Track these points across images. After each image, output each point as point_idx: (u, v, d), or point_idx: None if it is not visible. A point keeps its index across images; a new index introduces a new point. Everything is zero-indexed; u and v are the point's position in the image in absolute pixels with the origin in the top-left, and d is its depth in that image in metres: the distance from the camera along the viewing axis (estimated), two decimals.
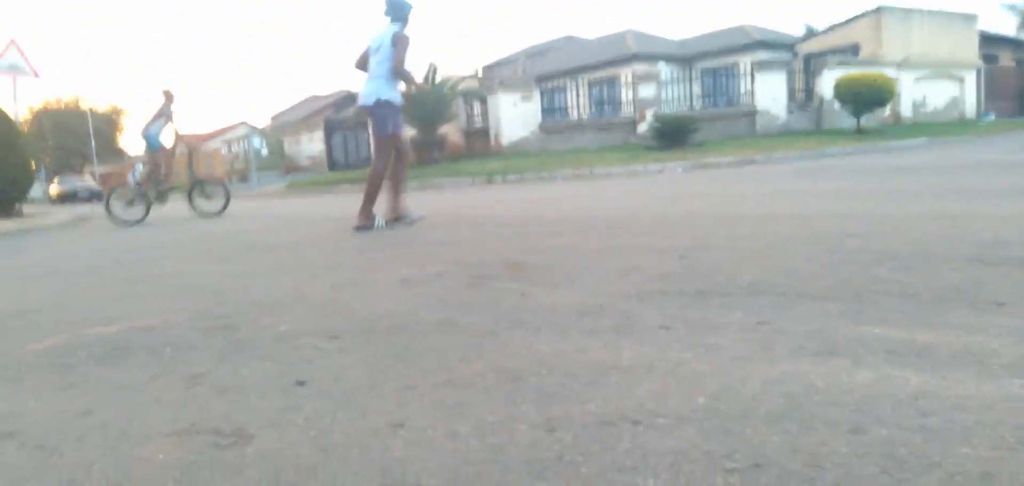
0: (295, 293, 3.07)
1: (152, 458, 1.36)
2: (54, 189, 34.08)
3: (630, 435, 1.29)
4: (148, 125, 9.84)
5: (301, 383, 1.76)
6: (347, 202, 11.57)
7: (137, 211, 9.51)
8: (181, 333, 2.44)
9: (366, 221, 5.88)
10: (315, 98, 43.41)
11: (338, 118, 28.97)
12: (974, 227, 3.33)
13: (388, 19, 5.82)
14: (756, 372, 1.56)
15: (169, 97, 9.94)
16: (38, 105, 47.53)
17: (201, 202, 10.11)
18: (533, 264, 3.33)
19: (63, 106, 47.77)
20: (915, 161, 9.93)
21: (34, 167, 16.23)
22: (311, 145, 27.83)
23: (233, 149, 33.94)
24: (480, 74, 29.96)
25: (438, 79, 19.18)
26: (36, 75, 14.70)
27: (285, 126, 34.15)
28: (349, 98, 36.73)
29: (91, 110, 42.86)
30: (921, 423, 1.24)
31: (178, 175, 10.76)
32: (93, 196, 30.37)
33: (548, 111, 21.41)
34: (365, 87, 5.90)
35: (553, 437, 1.32)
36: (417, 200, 10.61)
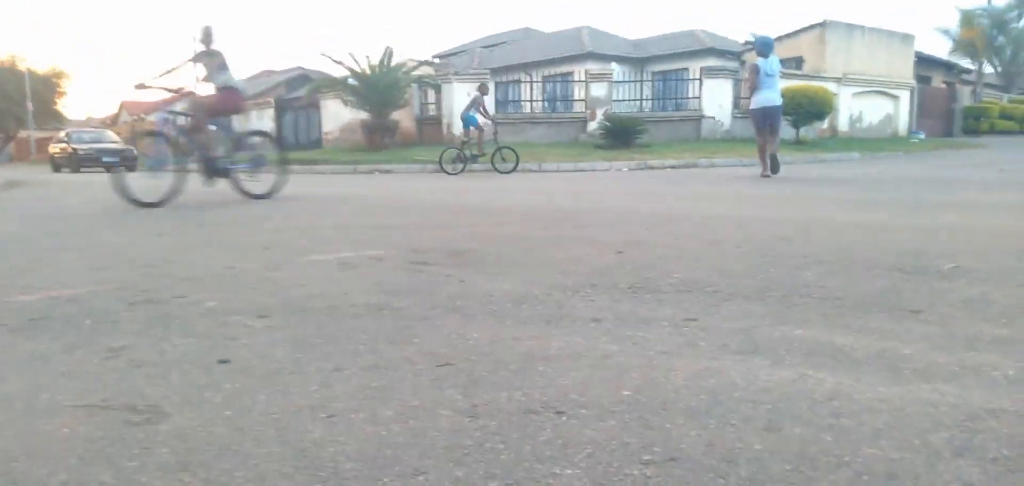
0: (228, 270, 2.99)
1: (56, 433, 1.30)
2: (56, 147, 24.32)
3: (552, 425, 1.30)
4: (466, 110, 13.87)
5: (224, 361, 1.71)
6: (295, 182, 11.33)
7: (459, 165, 13.12)
8: (104, 304, 2.34)
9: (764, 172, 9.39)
10: (269, 73, 42.22)
11: (290, 97, 28.31)
12: (897, 238, 3.46)
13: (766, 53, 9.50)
14: (680, 367, 1.59)
15: (483, 89, 14.19)
16: None
17: (500, 163, 13.06)
18: (474, 252, 3.32)
19: None
20: (848, 173, 10.29)
21: None
22: (261, 123, 27.16)
23: (178, 122, 32.76)
24: (435, 61, 29.68)
25: (393, 64, 18.91)
26: None
27: None
28: (303, 77, 35.79)
29: (30, 70, 40.74)
30: (834, 423, 1.28)
31: (479, 145, 13.73)
32: (124, 161, 17.93)
33: (501, 103, 21.39)
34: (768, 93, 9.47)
35: (476, 424, 1.31)
36: (363, 184, 10.46)
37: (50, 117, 44.64)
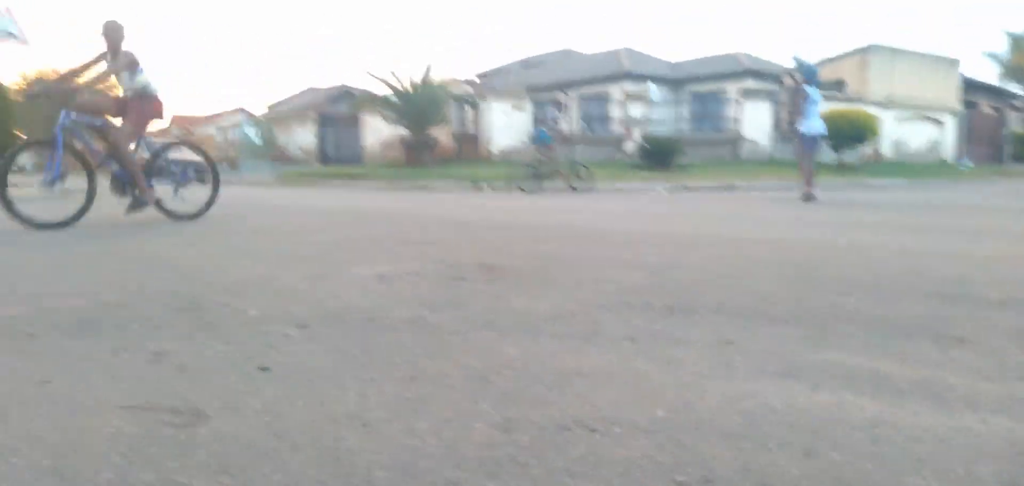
0: (268, 280, 3.05)
1: (101, 430, 1.34)
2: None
3: (585, 441, 1.30)
4: (539, 128, 14.11)
5: (264, 369, 1.75)
6: (336, 195, 11.52)
7: (533, 184, 12.80)
8: (149, 310, 2.41)
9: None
10: (313, 90, 43.01)
11: (332, 112, 28.85)
12: (942, 265, 3.38)
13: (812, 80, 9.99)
14: (715, 389, 1.57)
15: (558, 105, 14.90)
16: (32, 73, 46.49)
17: (576, 182, 12.90)
18: (510, 268, 3.33)
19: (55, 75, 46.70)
20: (893, 199, 10.06)
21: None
22: (303, 136, 27.71)
23: (228, 135, 33.62)
24: (476, 80, 29.97)
25: (433, 82, 19.16)
26: (25, 42, 14.48)
27: (280, 116, 33.78)
28: (346, 93, 36.43)
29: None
30: (874, 450, 1.25)
31: (558, 162, 13.59)
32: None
33: (539, 121, 21.47)
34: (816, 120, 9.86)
35: (509, 438, 1.32)
36: (403, 200, 10.59)
37: None
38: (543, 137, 13.66)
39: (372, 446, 1.28)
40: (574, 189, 12.62)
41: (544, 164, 13.23)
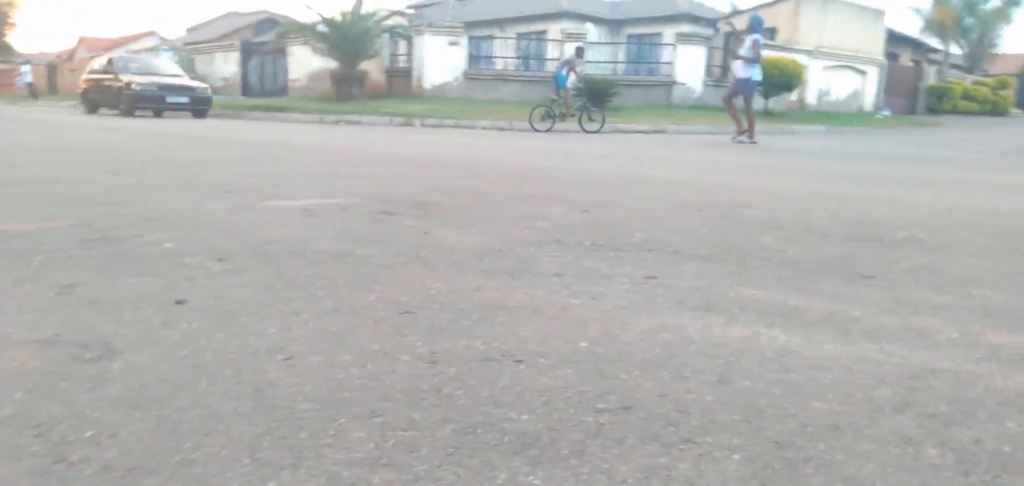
0: (188, 212, 2.93)
1: (4, 366, 1.28)
2: (90, 79, 17.12)
3: (511, 372, 1.31)
4: (557, 69, 14.27)
5: (180, 302, 1.69)
6: (261, 128, 11.11)
7: (546, 124, 13.29)
8: (58, 241, 2.29)
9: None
10: (235, 15, 40.94)
11: (257, 42, 27.58)
12: (855, 208, 3.54)
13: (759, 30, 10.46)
14: (637, 322, 1.62)
15: (580, 52, 14.72)
16: None
17: (587, 123, 13.19)
18: (441, 205, 3.31)
19: None
20: (813, 145, 10.44)
21: None
22: (226, 66, 26.40)
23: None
24: (409, 12, 29.11)
25: (364, 12, 18.50)
26: None
27: (200, 44, 32.04)
28: (270, 21, 34.81)
29: None
30: (783, 378, 1.32)
31: (571, 105, 13.97)
32: (194, 103, 15.26)
33: (474, 58, 21.14)
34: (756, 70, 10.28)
35: (434, 370, 1.32)
36: (331, 134, 10.31)
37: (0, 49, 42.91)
38: (561, 81, 14.00)
39: (295, 379, 1.26)
40: (585, 130, 12.99)
41: (556, 105, 13.68)
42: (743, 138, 10.11)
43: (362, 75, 18.69)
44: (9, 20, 44.27)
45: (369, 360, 1.36)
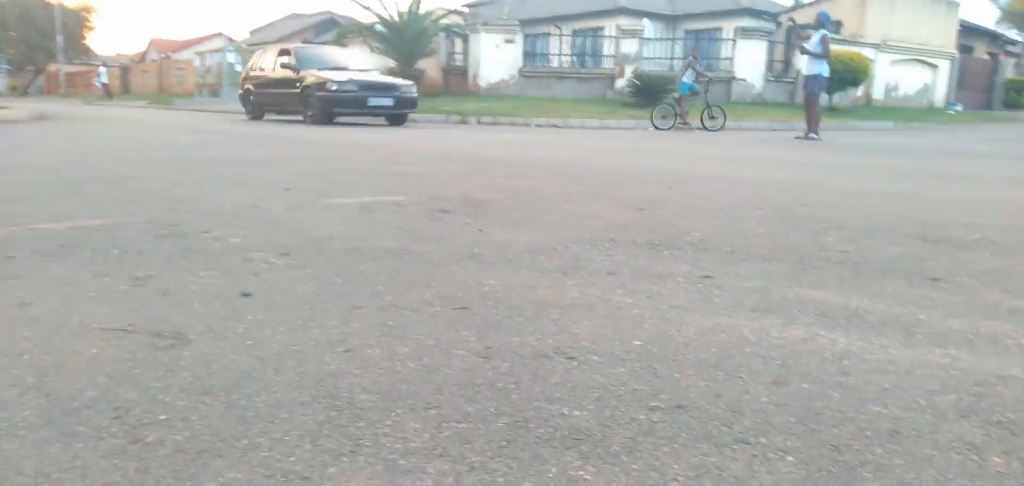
0: (252, 208, 3.04)
1: (85, 352, 1.36)
2: (254, 76, 14.01)
3: (563, 369, 1.33)
4: (681, 76, 14.46)
5: (246, 294, 1.76)
6: (320, 127, 11.38)
7: (668, 122, 13.58)
8: (131, 236, 2.40)
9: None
10: (297, 16, 42.07)
11: (316, 41, 28.23)
12: (922, 207, 3.42)
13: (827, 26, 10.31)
14: (692, 321, 1.61)
15: (695, 55, 14.88)
16: None
17: (709, 122, 13.50)
18: (495, 203, 3.34)
19: None
20: (879, 142, 10.09)
21: None
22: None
23: (206, 61, 32.96)
24: (465, 11, 29.35)
25: (421, 11, 18.75)
26: None
27: (263, 44, 33.05)
28: (331, 22, 35.57)
29: (61, 4, 41.17)
30: (841, 381, 1.29)
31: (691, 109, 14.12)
32: (398, 106, 12.15)
33: (529, 56, 21.19)
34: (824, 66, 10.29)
35: (488, 364, 1.34)
36: (389, 133, 10.49)
37: (79, 51, 45.16)
38: (683, 88, 14.19)
39: (355, 370, 1.30)
40: (707, 129, 13.19)
41: (678, 104, 14.04)
42: (813, 135, 9.92)
43: (419, 74, 18.94)
44: (87, 24, 46.55)
45: (425, 354, 1.39)
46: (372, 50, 19.47)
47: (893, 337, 1.52)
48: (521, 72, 19.92)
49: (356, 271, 2.02)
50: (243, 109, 14.78)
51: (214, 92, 27.23)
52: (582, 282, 1.93)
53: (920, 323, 1.62)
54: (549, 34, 24.08)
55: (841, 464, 1.00)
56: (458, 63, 21.03)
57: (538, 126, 12.99)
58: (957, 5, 24.72)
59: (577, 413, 1.15)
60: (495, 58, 19.57)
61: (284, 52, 13.46)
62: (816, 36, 10.06)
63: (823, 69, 10.08)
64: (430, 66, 20.07)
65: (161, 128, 10.27)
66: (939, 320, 1.64)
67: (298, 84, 12.16)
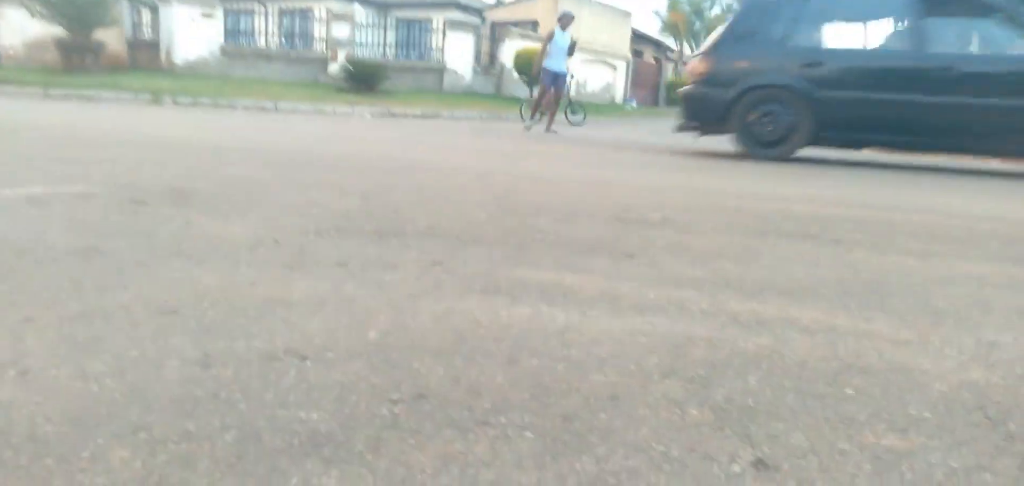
0: None
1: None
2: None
3: (296, 370, 1.24)
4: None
5: None
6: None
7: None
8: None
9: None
10: None
11: None
12: (615, 192, 3.87)
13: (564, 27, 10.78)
14: (426, 308, 1.61)
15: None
16: None
17: (572, 117, 14.00)
18: (202, 191, 3.03)
19: None
20: (579, 134, 11.24)
21: None
22: None
23: None
24: None
25: None
26: None
27: None
28: None
29: None
30: (565, 354, 1.39)
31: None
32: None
33: (232, 33, 19.68)
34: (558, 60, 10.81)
35: (209, 373, 1.20)
36: (59, 110, 8.98)
37: None
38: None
39: (34, 397, 1.07)
40: (571, 124, 13.57)
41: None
42: (555, 130, 11.00)
43: (99, 46, 16.47)
44: None
45: (128, 368, 1.20)
46: (32, 13, 16.43)
47: (603, 309, 1.69)
48: (223, 50, 18.42)
49: (27, 278, 1.67)
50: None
51: None
52: (310, 275, 1.83)
53: (623, 295, 1.81)
54: (254, 12, 22.57)
55: (572, 433, 1.07)
56: (147, 37, 18.75)
57: (246, 108, 12.12)
58: (629, 14, 28.58)
59: (315, 415, 1.08)
60: (192, 34, 17.82)
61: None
62: (565, 35, 10.87)
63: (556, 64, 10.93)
64: (112, 38, 17.54)
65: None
66: (638, 291, 1.86)
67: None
